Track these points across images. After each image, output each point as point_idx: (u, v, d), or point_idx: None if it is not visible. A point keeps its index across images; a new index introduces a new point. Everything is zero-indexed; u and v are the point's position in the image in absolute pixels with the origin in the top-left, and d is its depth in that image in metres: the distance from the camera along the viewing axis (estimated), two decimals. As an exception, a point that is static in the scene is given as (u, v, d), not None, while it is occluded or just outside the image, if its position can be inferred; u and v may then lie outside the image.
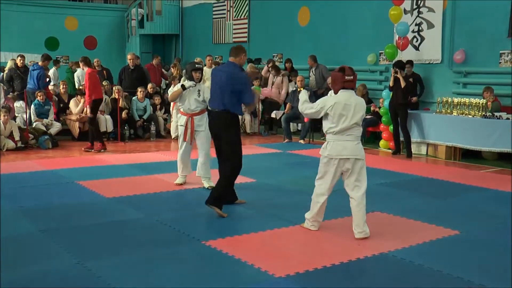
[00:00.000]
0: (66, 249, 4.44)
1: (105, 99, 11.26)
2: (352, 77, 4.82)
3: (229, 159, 5.61)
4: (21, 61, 11.97)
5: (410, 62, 10.65)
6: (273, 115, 12.39)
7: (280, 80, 12.71)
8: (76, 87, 13.49)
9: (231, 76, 5.52)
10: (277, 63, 13.87)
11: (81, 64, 9.84)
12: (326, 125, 4.88)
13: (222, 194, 5.56)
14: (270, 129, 12.97)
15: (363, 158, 4.87)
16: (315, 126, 11.62)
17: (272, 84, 12.78)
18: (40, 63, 11.54)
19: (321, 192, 4.96)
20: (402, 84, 9.43)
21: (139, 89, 11.61)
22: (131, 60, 12.53)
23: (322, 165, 4.93)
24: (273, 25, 15.17)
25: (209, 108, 6.04)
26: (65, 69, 15.71)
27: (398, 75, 9.49)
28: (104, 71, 13.49)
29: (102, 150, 9.76)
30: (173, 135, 11.57)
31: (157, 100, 12.06)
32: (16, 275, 3.90)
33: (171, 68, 13.33)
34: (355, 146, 4.82)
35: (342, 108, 4.74)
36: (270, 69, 13.06)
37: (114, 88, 11.75)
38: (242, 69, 5.71)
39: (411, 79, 9.66)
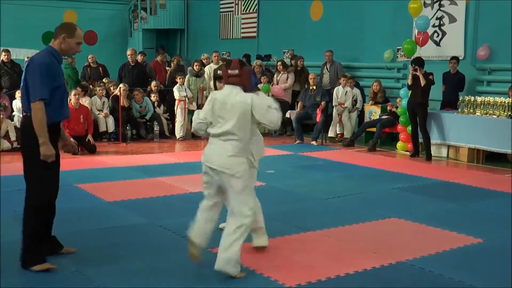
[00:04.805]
0: (65, 256, 4.46)
1: (104, 100, 11.29)
2: (237, 71, 4.16)
3: (29, 191, 4.35)
4: (6, 56, 11.88)
5: (455, 58, 10.54)
6: (287, 115, 12.27)
7: (286, 77, 12.64)
8: None
9: (27, 66, 4.23)
10: (286, 60, 13.85)
11: None
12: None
13: (35, 244, 4.23)
14: (285, 131, 12.87)
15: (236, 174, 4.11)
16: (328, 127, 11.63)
17: (277, 82, 12.70)
18: None
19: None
20: (422, 82, 9.39)
21: (135, 92, 11.52)
22: (131, 56, 12.53)
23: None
24: (284, 19, 15.18)
25: None
26: (64, 65, 15.78)
27: (418, 73, 9.44)
28: (100, 68, 13.43)
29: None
30: (177, 135, 11.59)
31: (153, 97, 11.96)
32: (12, 283, 3.93)
33: (172, 63, 13.34)
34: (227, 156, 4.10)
35: (219, 107, 4.14)
36: (278, 66, 12.96)
37: (113, 86, 11.72)
38: (55, 55, 4.26)
39: (431, 77, 9.59)
